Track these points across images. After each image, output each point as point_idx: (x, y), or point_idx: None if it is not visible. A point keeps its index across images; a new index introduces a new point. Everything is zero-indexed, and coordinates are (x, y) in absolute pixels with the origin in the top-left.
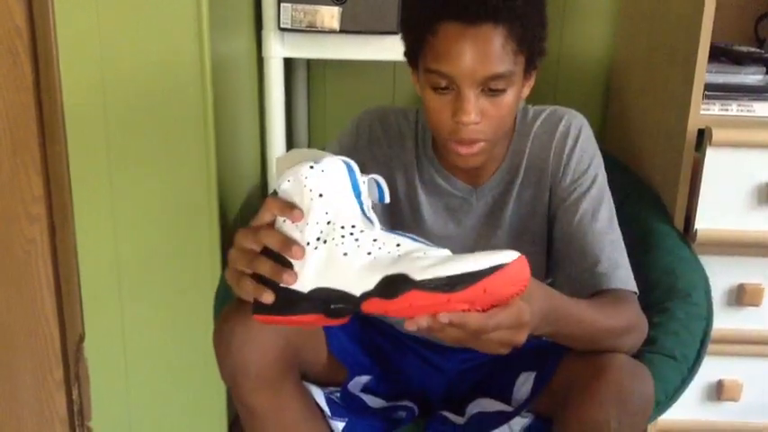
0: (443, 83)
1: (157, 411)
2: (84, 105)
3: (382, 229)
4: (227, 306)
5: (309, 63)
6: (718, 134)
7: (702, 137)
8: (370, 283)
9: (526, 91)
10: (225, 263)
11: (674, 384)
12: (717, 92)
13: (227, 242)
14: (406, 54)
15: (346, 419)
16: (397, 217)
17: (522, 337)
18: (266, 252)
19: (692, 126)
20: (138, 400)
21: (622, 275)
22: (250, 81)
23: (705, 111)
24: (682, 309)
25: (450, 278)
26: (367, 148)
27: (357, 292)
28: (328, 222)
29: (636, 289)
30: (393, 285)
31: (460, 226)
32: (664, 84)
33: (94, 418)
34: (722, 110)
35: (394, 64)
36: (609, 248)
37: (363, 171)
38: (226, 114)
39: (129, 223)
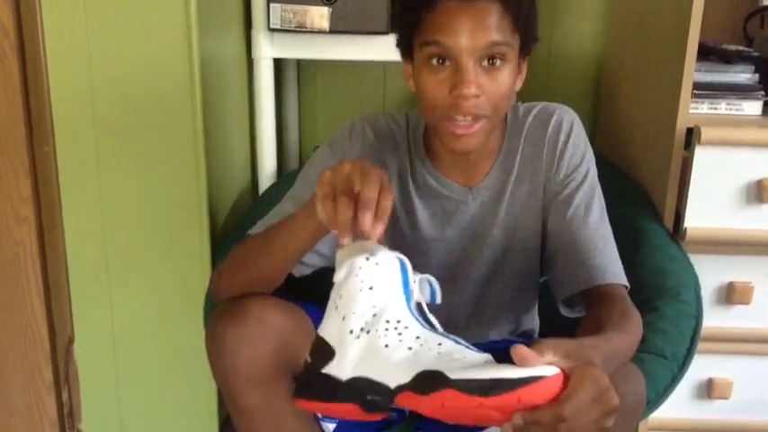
0: (441, 54)
1: (148, 412)
2: (72, 106)
3: (427, 329)
4: (220, 307)
5: (300, 63)
6: (706, 133)
7: (691, 135)
8: (406, 376)
9: (519, 83)
10: (215, 264)
11: (664, 383)
12: (705, 90)
13: (216, 244)
14: (398, 43)
15: (337, 421)
16: (393, 222)
17: (613, 401)
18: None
19: (681, 125)
20: (129, 401)
21: (615, 270)
22: (240, 82)
23: (694, 109)
24: (671, 307)
25: (485, 381)
26: (359, 152)
27: (392, 384)
28: (374, 315)
29: (627, 283)
30: (428, 381)
31: (456, 227)
32: (653, 83)
33: (85, 420)
34: (711, 108)
35: (384, 64)
36: (601, 243)
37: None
38: (215, 115)
39: (118, 224)
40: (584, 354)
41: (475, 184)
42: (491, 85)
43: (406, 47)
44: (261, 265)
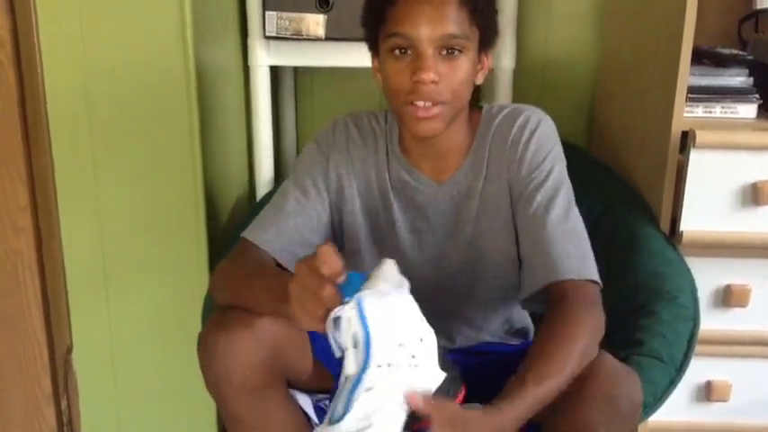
0: (403, 45)
1: (147, 422)
2: (69, 116)
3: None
4: (211, 316)
5: (296, 70)
6: (701, 136)
7: (686, 139)
8: None
9: (480, 77)
10: (212, 270)
11: (662, 386)
12: (700, 94)
13: (214, 252)
14: (365, 38)
15: None
16: (374, 215)
17: None
18: None
19: (676, 128)
20: (128, 410)
21: (573, 265)
22: (236, 89)
23: (689, 113)
24: (668, 310)
25: None
26: (344, 147)
27: None
28: None
29: (592, 277)
30: None
31: (428, 222)
32: (648, 87)
33: (84, 430)
34: (706, 112)
35: None
36: (560, 239)
37: (341, 168)
38: (212, 123)
39: (116, 233)
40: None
41: (444, 180)
42: (449, 73)
43: (372, 42)
44: (246, 303)
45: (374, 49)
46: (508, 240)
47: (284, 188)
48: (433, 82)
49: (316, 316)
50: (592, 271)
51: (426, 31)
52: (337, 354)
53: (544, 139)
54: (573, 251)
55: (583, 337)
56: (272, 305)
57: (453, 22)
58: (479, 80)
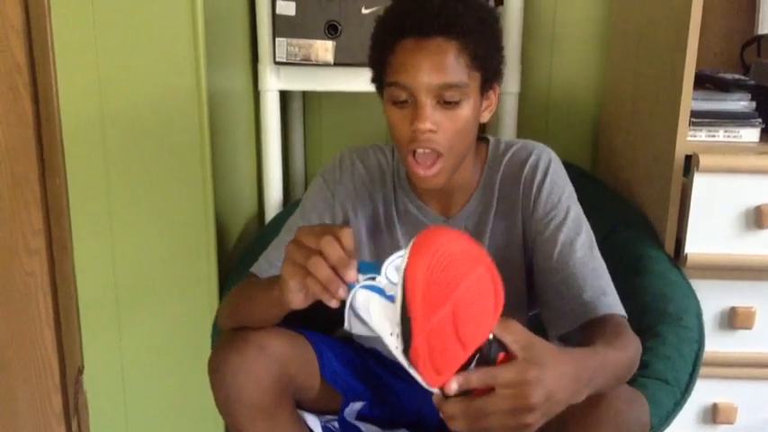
0: (402, 95)
1: None
2: (83, 139)
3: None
4: (221, 337)
5: (305, 95)
6: (705, 160)
7: (690, 163)
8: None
9: (486, 114)
10: (222, 293)
11: (667, 408)
12: (703, 118)
13: (224, 273)
14: (373, 81)
15: None
16: (380, 248)
17: (529, 398)
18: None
19: (680, 152)
20: (138, 430)
21: (609, 301)
22: (247, 113)
23: (692, 137)
24: (674, 332)
25: None
26: (350, 182)
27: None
28: None
29: (624, 312)
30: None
31: None
32: (652, 111)
33: None
34: (709, 136)
35: None
36: (591, 276)
37: (347, 204)
38: (223, 147)
39: (127, 255)
40: (538, 353)
41: (452, 215)
42: (448, 122)
43: (379, 84)
44: (250, 318)
45: (380, 91)
46: (517, 278)
47: (291, 223)
48: (430, 131)
49: (300, 274)
50: (622, 307)
51: (423, 79)
52: (347, 327)
53: (557, 180)
54: (606, 288)
55: (634, 342)
56: (264, 294)
57: (451, 71)
58: (485, 118)
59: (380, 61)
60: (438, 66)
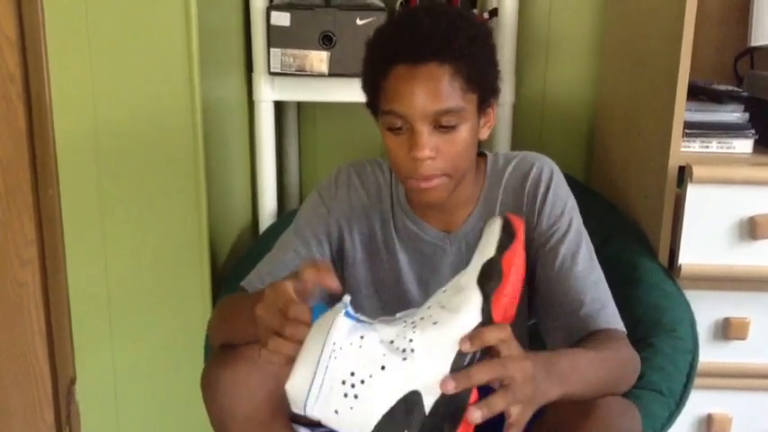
0: (398, 123)
1: None
2: (76, 149)
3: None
4: (214, 352)
5: (300, 105)
6: (698, 171)
7: (684, 174)
8: None
9: (485, 131)
10: (215, 304)
11: (661, 419)
12: (697, 129)
13: (217, 284)
14: (367, 104)
15: None
16: (377, 265)
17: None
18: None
19: (673, 163)
20: None
21: (609, 315)
22: (241, 124)
23: (686, 148)
24: (667, 343)
25: None
26: (346, 199)
27: None
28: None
29: (623, 327)
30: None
31: (435, 273)
32: (645, 122)
33: None
34: (702, 147)
35: None
36: (592, 289)
37: (342, 220)
38: (217, 157)
39: (120, 266)
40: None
41: (453, 230)
42: (446, 146)
43: (374, 109)
44: (237, 335)
45: (376, 117)
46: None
47: (285, 238)
48: (429, 158)
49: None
50: (621, 321)
51: (419, 106)
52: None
53: (559, 192)
54: (605, 301)
55: (625, 350)
56: (249, 313)
57: (446, 97)
58: (485, 135)
59: (374, 87)
60: (432, 92)
